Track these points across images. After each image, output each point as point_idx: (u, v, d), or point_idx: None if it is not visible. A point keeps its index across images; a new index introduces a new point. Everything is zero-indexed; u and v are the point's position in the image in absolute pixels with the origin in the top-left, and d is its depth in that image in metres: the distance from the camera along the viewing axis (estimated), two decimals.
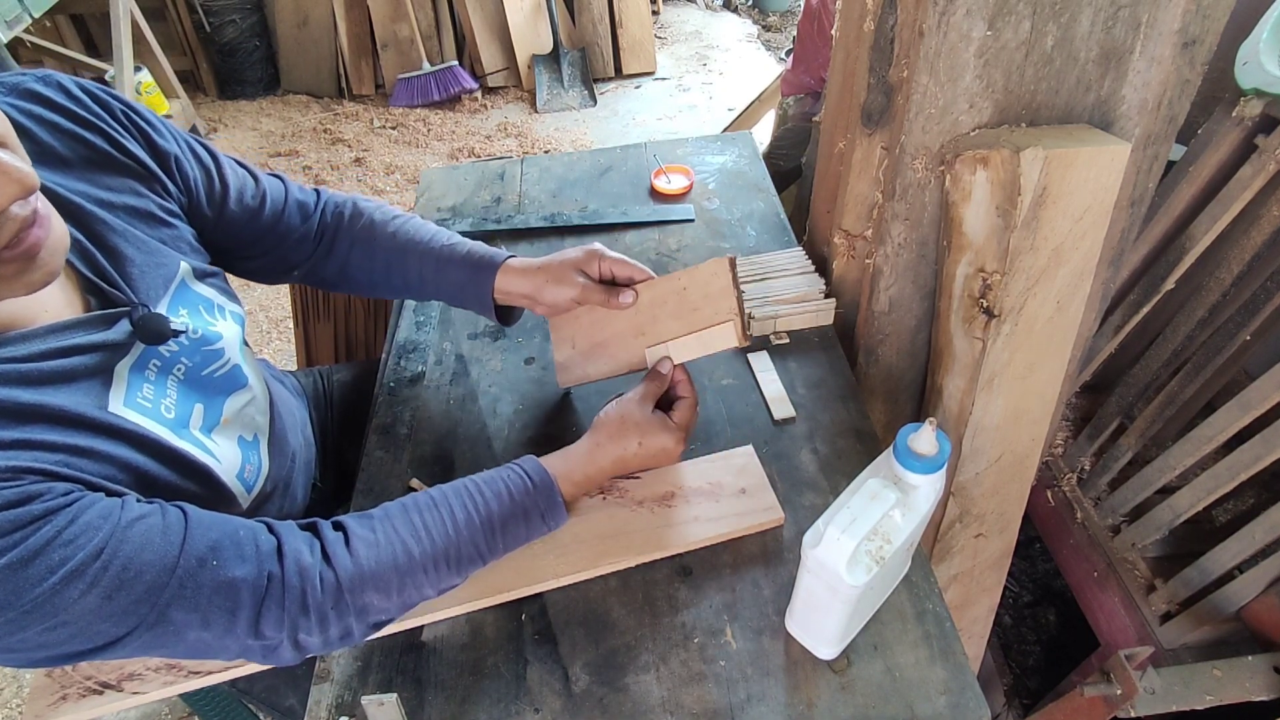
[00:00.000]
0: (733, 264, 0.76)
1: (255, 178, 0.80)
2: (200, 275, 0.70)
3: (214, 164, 0.74)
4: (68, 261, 0.57)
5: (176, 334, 0.63)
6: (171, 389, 0.63)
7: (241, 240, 0.79)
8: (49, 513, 0.47)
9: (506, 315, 0.88)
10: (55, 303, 0.56)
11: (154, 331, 0.60)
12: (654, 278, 0.82)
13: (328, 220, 0.85)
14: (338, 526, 0.62)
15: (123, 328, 0.59)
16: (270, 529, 0.59)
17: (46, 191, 0.57)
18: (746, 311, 0.95)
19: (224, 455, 0.67)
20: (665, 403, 0.78)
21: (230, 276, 0.80)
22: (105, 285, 0.59)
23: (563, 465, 0.73)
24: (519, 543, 0.70)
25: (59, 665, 0.69)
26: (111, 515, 0.50)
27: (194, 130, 3.20)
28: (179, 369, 0.64)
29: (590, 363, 0.89)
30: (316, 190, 0.86)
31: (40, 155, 0.58)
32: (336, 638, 0.60)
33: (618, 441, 0.74)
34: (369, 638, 0.65)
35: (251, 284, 2.45)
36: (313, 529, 0.61)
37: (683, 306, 0.79)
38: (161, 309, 0.64)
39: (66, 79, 0.62)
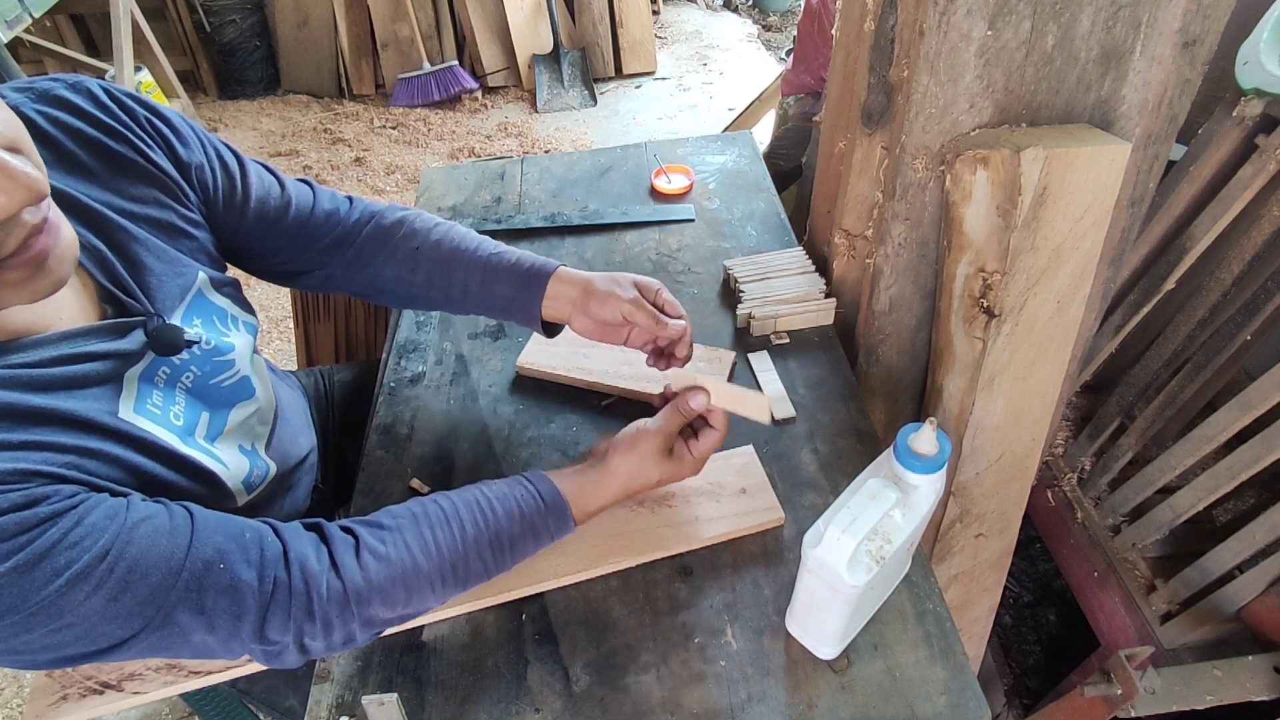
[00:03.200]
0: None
1: (281, 184, 0.79)
2: (217, 285, 0.70)
3: (239, 170, 0.74)
4: (85, 269, 0.57)
5: (189, 345, 0.63)
6: (179, 397, 0.63)
7: (264, 248, 0.78)
8: (55, 515, 0.47)
9: (552, 325, 0.83)
10: (70, 310, 0.56)
11: (167, 343, 0.60)
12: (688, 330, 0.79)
13: (359, 230, 0.82)
14: (347, 531, 0.62)
15: (137, 337, 0.59)
16: (276, 532, 0.59)
17: (69, 199, 0.57)
18: (752, 314, 0.99)
19: (230, 461, 0.67)
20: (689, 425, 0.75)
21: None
22: (122, 295, 0.59)
23: (576, 490, 0.70)
24: (525, 557, 0.70)
25: (64, 667, 0.69)
26: (117, 516, 0.50)
27: None
28: (187, 378, 0.64)
29: (561, 361, 0.94)
30: (350, 199, 0.84)
31: (65, 163, 0.58)
32: (340, 642, 0.60)
33: (636, 479, 0.71)
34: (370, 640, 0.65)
35: (252, 284, 2.47)
36: (318, 531, 0.61)
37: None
38: (176, 319, 0.63)
39: (96, 85, 0.62)
